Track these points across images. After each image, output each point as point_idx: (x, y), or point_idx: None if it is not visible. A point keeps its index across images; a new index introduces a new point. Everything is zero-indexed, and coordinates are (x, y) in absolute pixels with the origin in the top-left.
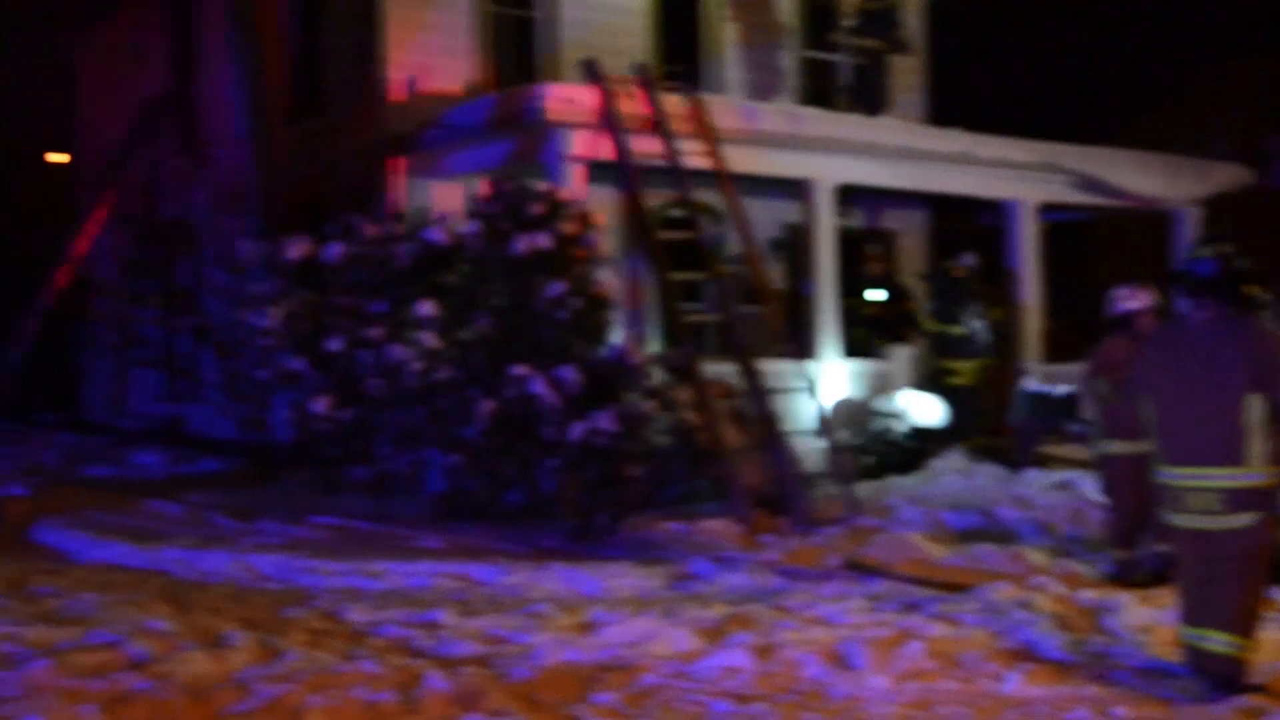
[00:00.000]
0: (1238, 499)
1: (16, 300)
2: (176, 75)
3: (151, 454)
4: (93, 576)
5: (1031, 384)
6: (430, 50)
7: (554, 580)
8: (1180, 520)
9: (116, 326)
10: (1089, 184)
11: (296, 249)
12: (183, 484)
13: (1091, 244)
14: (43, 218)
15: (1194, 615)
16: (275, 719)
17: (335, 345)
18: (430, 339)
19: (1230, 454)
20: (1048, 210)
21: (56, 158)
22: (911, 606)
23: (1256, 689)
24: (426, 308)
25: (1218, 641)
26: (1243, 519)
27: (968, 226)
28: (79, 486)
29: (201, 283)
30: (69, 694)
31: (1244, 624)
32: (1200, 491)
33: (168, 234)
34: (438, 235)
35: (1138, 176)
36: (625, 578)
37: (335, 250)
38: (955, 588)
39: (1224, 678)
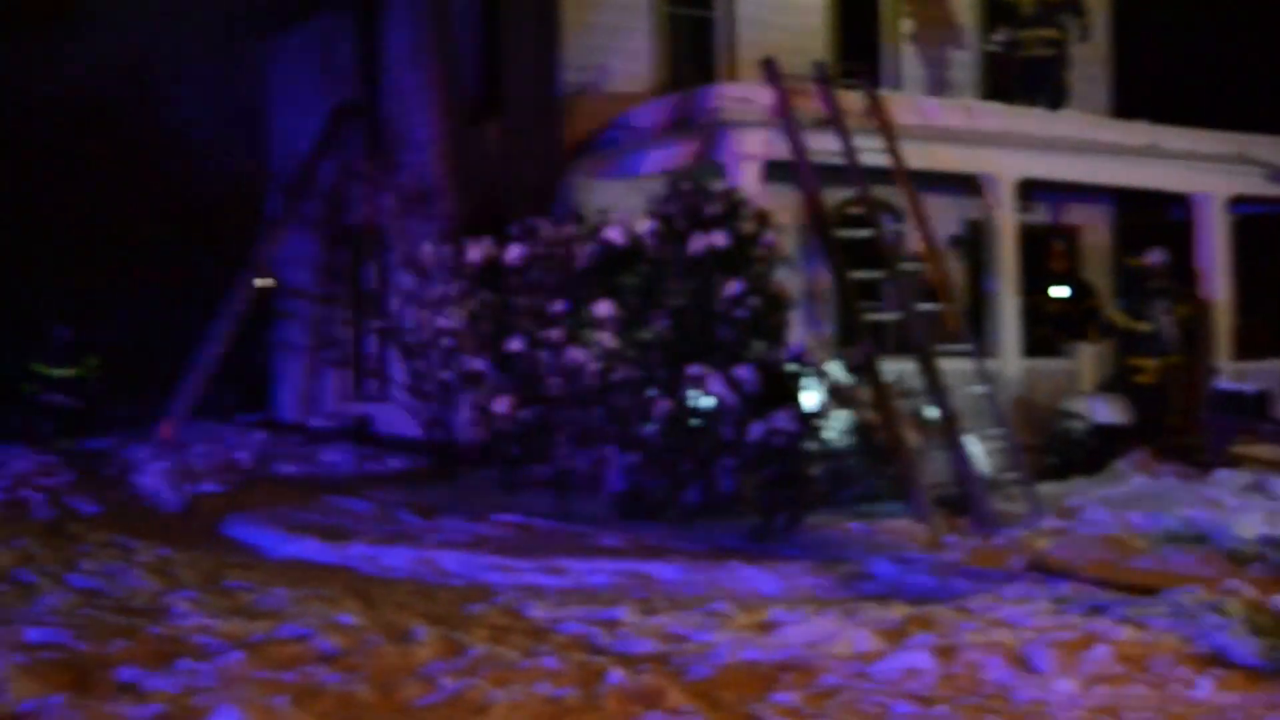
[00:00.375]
0: None
1: (212, 304)
2: (364, 82)
3: (340, 452)
4: (283, 571)
5: (1222, 382)
6: (607, 52)
7: (733, 579)
8: None
9: (307, 328)
10: None
11: (478, 251)
12: (369, 482)
13: None
14: (235, 223)
15: None
16: (459, 713)
17: (516, 345)
18: (609, 339)
19: None
20: (1239, 203)
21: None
22: (1098, 609)
23: None
24: (605, 308)
25: None
26: None
27: (1155, 221)
28: (270, 483)
29: (387, 285)
30: (262, 685)
31: None
32: None
33: (355, 238)
34: (616, 236)
35: None
36: (804, 577)
37: (516, 252)
38: (1143, 591)
39: None
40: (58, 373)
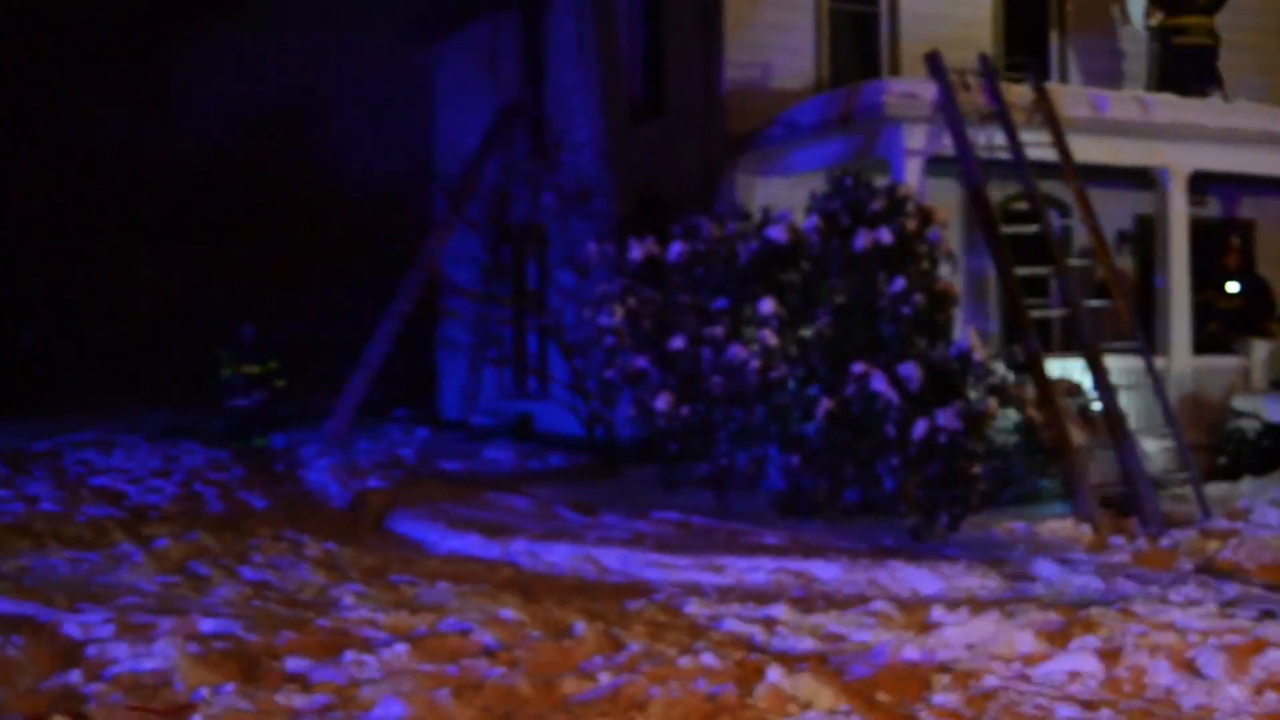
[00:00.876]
0: None
1: (378, 303)
2: (526, 83)
3: (501, 449)
4: (446, 566)
5: None
6: (769, 49)
7: (893, 579)
8: None
9: (469, 327)
10: None
11: (639, 249)
12: (530, 478)
13: None
14: (402, 224)
15: None
16: (617, 709)
17: (678, 343)
18: (770, 337)
19: None
20: None
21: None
22: (1269, 614)
23: None
24: (767, 305)
25: None
26: None
27: None
28: (433, 480)
29: (548, 283)
30: (424, 678)
31: None
32: None
33: (517, 237)
34: (778, 233)
35: None
36: (965, 577)
37: (677, 249)
38: None
39: None
40: (245, 369)
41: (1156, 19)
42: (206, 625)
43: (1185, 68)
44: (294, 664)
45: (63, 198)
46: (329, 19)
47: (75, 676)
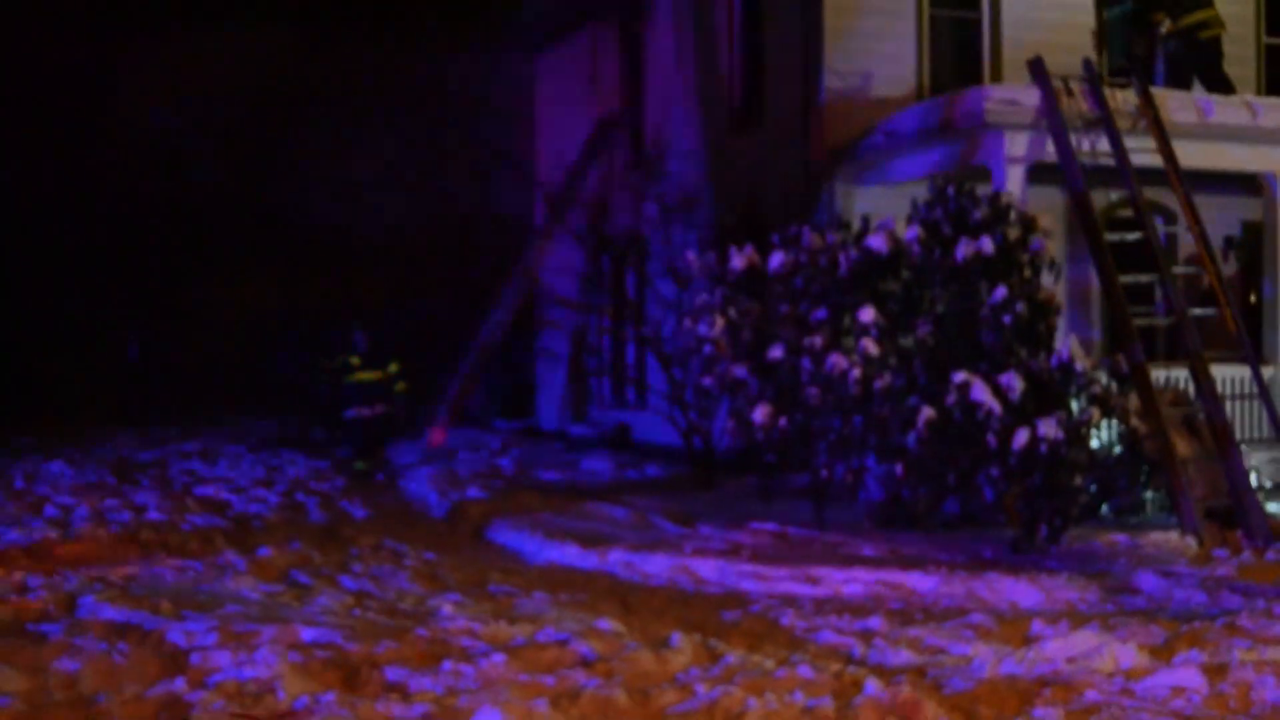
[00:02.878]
0: None
1: (480, 314)
2: (627, 92)
3: (599, 459)
4: (544, 576)
5: None
6: (869, 57)
7: (992, 591)
8: None
9: (568, 337)
10: None
11: (740, 259)
12: (628, 488)
13: None
14: (502, 233)
15: None
16: None
17: (777, 353)
18: (870, 346)
19: None
20: None
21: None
22: None
23: None
24: (868, 314)
25: None
26: None
27: None
28: (532, 489)
29: (647, 293)
30: (521, 688)
31: None
32: None
33: (617, 246)
34: (879, 242)
35: None
36: (1066, 590)
37: (778, 259)
38: None
39: None
40: (364, 376)
41: (1167, 25)
42: (308, 634)
43: (1209, 61)
44: (393, 673)
45: (167, 212)
46: (434, 31)
47: (180, 684)
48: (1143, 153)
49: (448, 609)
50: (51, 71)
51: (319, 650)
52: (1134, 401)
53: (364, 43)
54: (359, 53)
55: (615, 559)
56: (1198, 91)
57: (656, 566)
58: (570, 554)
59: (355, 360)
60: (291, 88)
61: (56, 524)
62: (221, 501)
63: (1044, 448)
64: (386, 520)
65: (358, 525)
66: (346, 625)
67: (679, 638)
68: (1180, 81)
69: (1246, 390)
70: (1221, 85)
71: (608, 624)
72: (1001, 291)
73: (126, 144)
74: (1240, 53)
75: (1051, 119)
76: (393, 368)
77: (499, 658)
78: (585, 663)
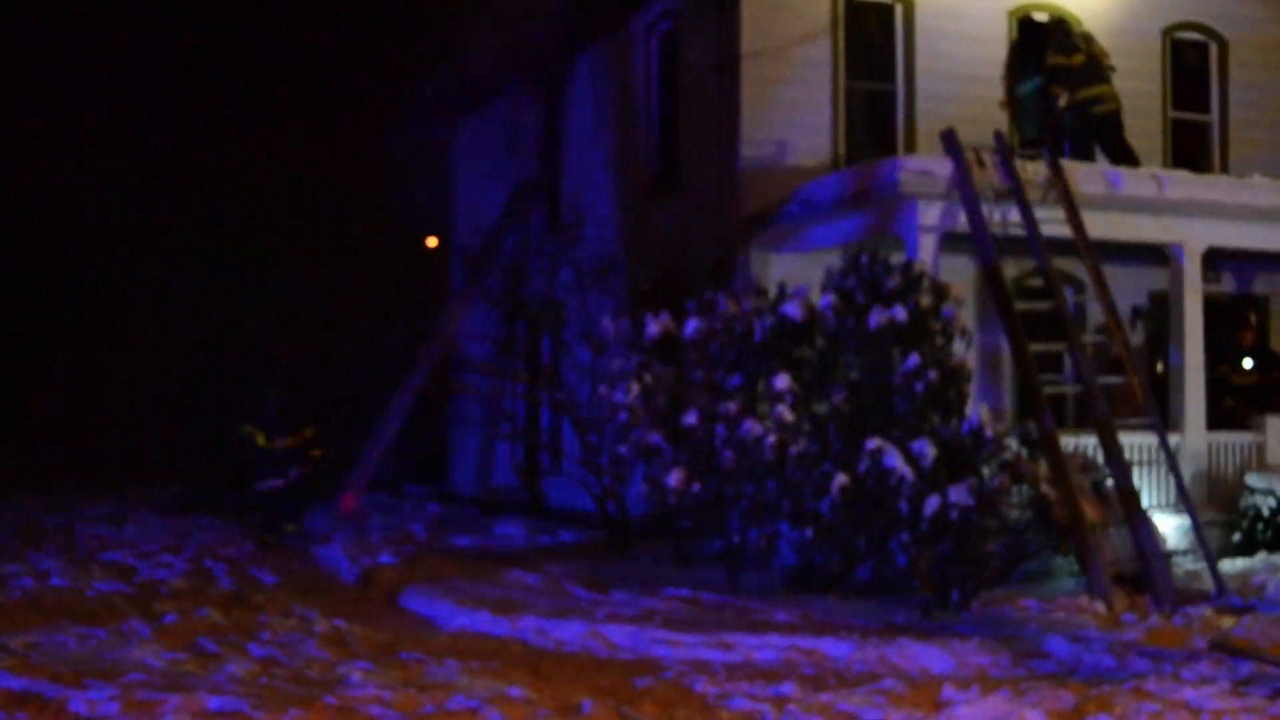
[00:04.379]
0: None
1: (393, 378)
2: (546, 157)
3: (513, 525)
4: (455, 643)
5: None
6: (787, 127)
7: (904, 656)
8: None
9: (483, 402)
10: None
11: (656, 325)
12: (542, 554)
13: None
14: (418, 298)
15: None
16: None
17: (691, 419)
18: (785, 412)
19: None
20: None
21: (431, 241)
22: None
23: None
24: (782, 381)
25: None
26: None
27: None
28: (445, 555)
29: (563, 359)
30: None
31: None
32: None
33: (533, 312)
34: (794, 309)
35: None
36: (977, 655)
37: (693, 326)
38: None
39: None
40: (279, 444)
41: (1065, 98)
42: (214, 703)
43: (1109, 134)
44: None
45: (78, 272)
46: (352, 96)
47: None
48: (1053, 223)
49: (357, 676)
50: None
51: (225, 719)
52: (1044, 468)
53: (280, 105)
54: (274, 116)
55: (527, 625)
56: (1105, 163)
57: (569, 633)
58: (482, 620)
59: (262, 432)
60: (209, 154)
61: None
62: (128, 567)
63: (955, 514)
64: (297, 587)
65: (267, 592)
66: (253, 694)
67: (590, 705)
68: (1083, 153)
69: (1153, 457)
70: (1125, 157)
71: (519, 691)
72: (914, 359)
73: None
74: (1147, 126)
75: (964, 189)
76: (308, 433)
77: None
78: None
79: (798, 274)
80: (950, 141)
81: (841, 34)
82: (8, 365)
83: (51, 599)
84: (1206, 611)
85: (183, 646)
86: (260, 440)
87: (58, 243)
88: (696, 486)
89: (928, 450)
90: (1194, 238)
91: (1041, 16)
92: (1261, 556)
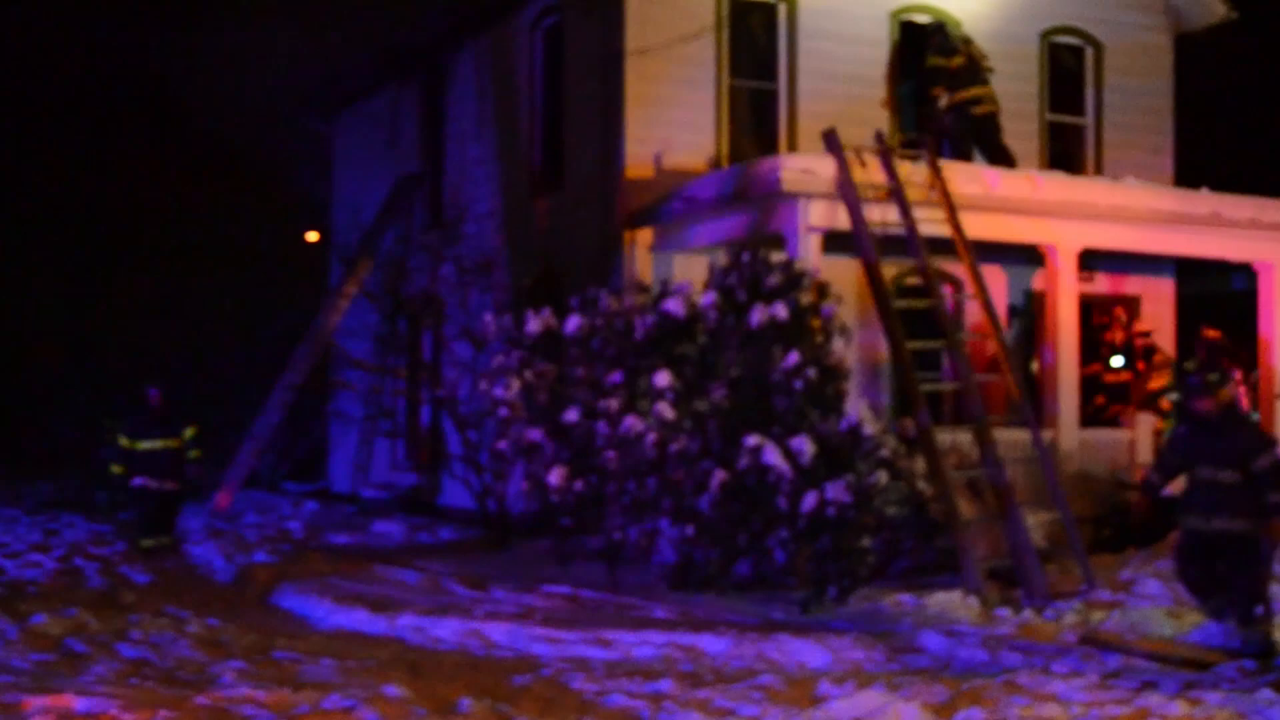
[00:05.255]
0: None
1: (270, 374)
2: (427, 153)
3: (392, 523)
4: (331, 642)
5: None
6: (670, 124)
7: (781, 652)
8: None
9: (363, 399)
10: None
11: (537, 322)
12: (420, 552)
13: None
14: (299, 293)
15: None
16: None
17: (572, 416)
18: (666, 409)
19: None
20: None
21: (311, 236)
22: (1150, 684)
23: None
24: (663, 378)
25: None
26: None
27: (1217, 290)
28: (322, 554)
29: (444, 356)
30: None
31: None
32: None
33: (414, 308)
34: (675, 307)
35: None
36: (853, 650)
37: (574, 322)
38: (1197, 665)
39: None
40: (156, 444)
41: (944, 99)
42: (81, 704)
43: (987, 134)
44: None
45: None
46: (229, 85)
47: None
48: (932, 223)
49: (230, 676)
50: None
51: None
52: (921, 464)
53: (157, 94)
54: (150, 106)
55: (405, 624)
56: (983, 164)
57: (447, 631)
58: (359, 619)
59: (143, 425)
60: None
61: None
62: None
63: (832, 510)
64: (169, 586)
65: (139, 591)
66: (123, 694)
67: (468, 703)
68: (961, 153)
69: (1028, 454)
70: (1001, 157)
71: (395, 690)
72: (794, 357)
73: None
74: (1025, 128)
75: (845, 189)
76: (188, 433)
77: None
78: None
79: (682, 272)
80: (831, 141)
81: (725, 33)
82: None
83: None
84: (1078, 606)
85: (50, 647)
86: (139, 440)
87: None
88: (578, 484)
89: (806, 447)
90: (1069, 238)
91: (923, 19)
92: (1131, 551)
